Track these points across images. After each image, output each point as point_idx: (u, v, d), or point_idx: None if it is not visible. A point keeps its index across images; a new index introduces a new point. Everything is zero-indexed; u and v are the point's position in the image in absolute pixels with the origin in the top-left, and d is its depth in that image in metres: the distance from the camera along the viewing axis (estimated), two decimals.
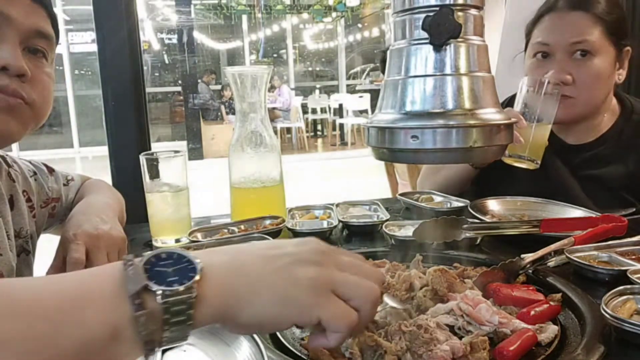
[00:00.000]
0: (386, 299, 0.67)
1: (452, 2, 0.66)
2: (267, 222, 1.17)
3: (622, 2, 1.92)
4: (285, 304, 0.49)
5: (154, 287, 0.44)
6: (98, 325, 0.42)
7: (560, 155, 1.38)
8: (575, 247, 0.93)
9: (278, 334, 0.72)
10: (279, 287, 0.49)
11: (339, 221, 1.20)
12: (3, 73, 0.80)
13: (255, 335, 0.63)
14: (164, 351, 0.66)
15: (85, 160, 9.63)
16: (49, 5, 0.88)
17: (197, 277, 0.45)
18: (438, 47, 0.67)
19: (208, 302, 0.46)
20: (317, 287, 0.50)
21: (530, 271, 0.87)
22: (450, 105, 0.67)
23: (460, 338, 0.67)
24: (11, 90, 0.81)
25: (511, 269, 0.85)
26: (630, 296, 0.73)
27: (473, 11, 0.68)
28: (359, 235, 1.19)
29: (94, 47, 1.44)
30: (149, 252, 0.47)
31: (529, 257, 0.87)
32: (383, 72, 0.83)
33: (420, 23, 0.67)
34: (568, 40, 1.26)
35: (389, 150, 0.71)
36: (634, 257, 0.92)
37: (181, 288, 0.44)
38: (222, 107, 9.95)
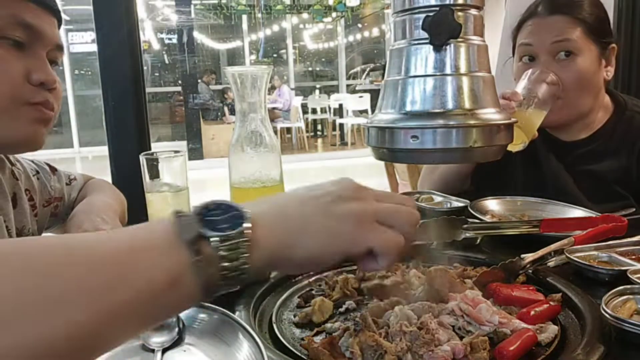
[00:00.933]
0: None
1: (452, 2, 0.66)
2: None
3: (621, 2, 1.92)
4: (335, 240, 0.53)
5: (209, 233, 0.45)
6: (158, 273, 0.43)
7: (554, 151, 1.39)
8: (575, 247, 0.93)
9: (278, 334, 0.72)
10: (327, 225, 0.52)
11: None
12: (42, 88, 0.87)
13: (255, 335, 0.63)
14: (164, 351, 0.66)
15: (85, 160, 9.63)
16: (61, 16, 0.94)
17: (248, 224, 0.47)
18: (438, 47, 0.67)
19: (261, 246, 0.48)
20: (363, 219, 0.54)
21: (530, 271, 0.87)
22: (450, 105, 0.67)
23: (461, 338, 0.67)
24: (51, 104, 0.89)
25: (511, 269, 0.85)
26: (630, 296, 0.73)
27: (473, 11, 0.68)
28: None
29: (94, 47, 1.44)
30: (198, 204, 0.49)
31: (529, 257, 0.87)
32: None
33: (420, 23, 0.67)
34: (550, 40, 1.28)
35: (389, 150, 0.71)
36: (634, 257, 0.92)
37: (234, 233, 0.46)
38: (226, 108, 9.94)
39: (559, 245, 0.92)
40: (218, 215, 0.48)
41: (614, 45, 1.33)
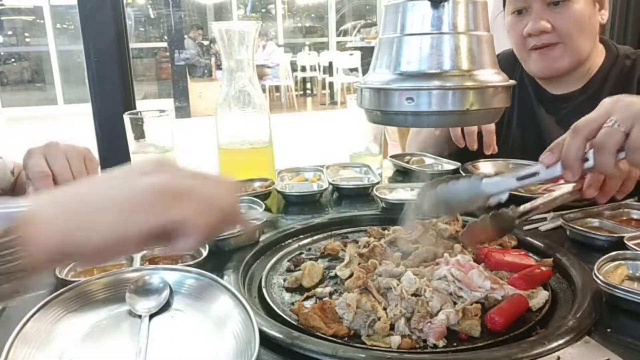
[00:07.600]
0: None
1: None
2: (256, 184, 1.15)
3: None
4: (135, 214, 0.48)
5: None
6: None
7: (545, 105, 1.36)
8: (563, 212, 0.91)
9: (268, 299, 0.71)
10: (124, 199, 0.48)
11: (329, 184, 1.18)
12: None
13: (244, 301, 0.62)
14: (151, 317, 0.65)
15: (71, 118, 9.46)
16: None
17: (18, 222, 0.44)
18: (436, 3, 0.64)
19: (40, 242, 0.45)
20: (164, 191, 0.49)
21: (523, 227, 0.85)
22: (447, 65, 0.64)
23: (453, 304, 0.66)
24: None
25: (502, 220, 0.78)
26: (622, 262, 0.73)
27: None
28: (349, 198, 1.17)
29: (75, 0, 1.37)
30: None
31: (522, 207, 0.78)
32: None
33: None
34: None
35: (383, 112, 0.68)
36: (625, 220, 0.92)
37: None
38: (213, 59, 9.71)
39: (561, 196, 0.83)
40: None
41: None
